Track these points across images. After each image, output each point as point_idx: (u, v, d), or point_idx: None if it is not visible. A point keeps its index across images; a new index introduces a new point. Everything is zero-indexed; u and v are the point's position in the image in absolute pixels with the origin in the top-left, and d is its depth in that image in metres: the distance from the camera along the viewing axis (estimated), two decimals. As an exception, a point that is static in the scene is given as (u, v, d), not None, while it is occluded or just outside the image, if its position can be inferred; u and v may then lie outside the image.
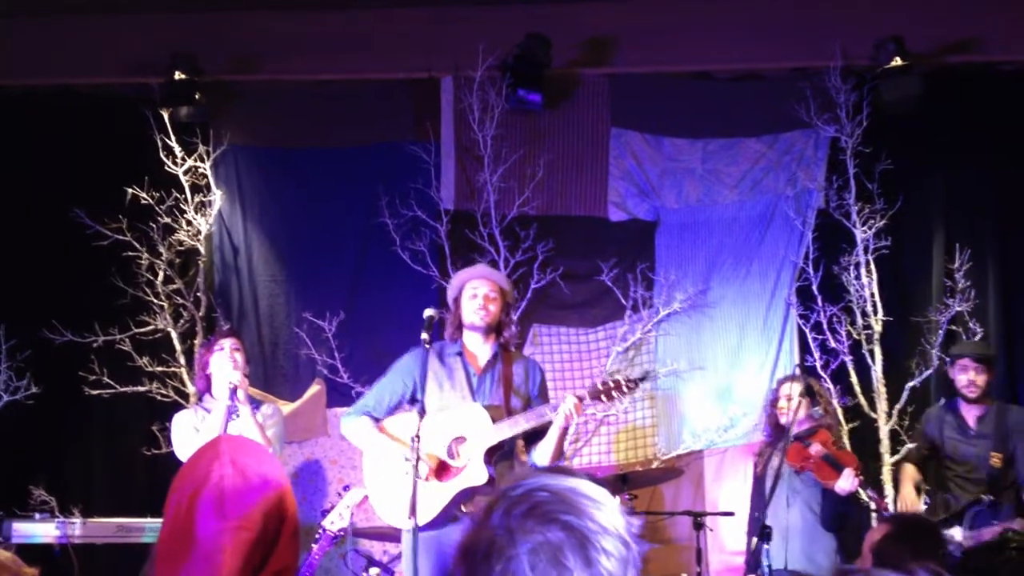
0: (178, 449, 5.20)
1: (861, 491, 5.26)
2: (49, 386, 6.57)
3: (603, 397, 4.49)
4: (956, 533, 5.38)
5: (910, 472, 5.88)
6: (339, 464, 6.70)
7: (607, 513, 1.39)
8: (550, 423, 4.44)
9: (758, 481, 5.61)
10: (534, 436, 4.56)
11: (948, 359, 6.04)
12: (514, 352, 4.83)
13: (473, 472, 4.38)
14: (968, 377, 5.70)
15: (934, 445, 5.86)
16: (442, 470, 4.43)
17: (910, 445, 6.13)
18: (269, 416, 5.28)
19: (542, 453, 4.52)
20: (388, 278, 6.91)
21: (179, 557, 1.81)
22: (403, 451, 4.42)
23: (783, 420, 5.48)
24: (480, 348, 4.69)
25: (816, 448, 5.29)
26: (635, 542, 1.40)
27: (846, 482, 5.17)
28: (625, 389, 4.49)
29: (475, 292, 4.66)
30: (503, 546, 1.36)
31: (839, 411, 6.41)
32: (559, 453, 4.58)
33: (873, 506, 5.39)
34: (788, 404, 5.46)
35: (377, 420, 4.67)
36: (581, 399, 4.39)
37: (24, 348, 6.57)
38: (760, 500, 5.49)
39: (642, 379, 4.66)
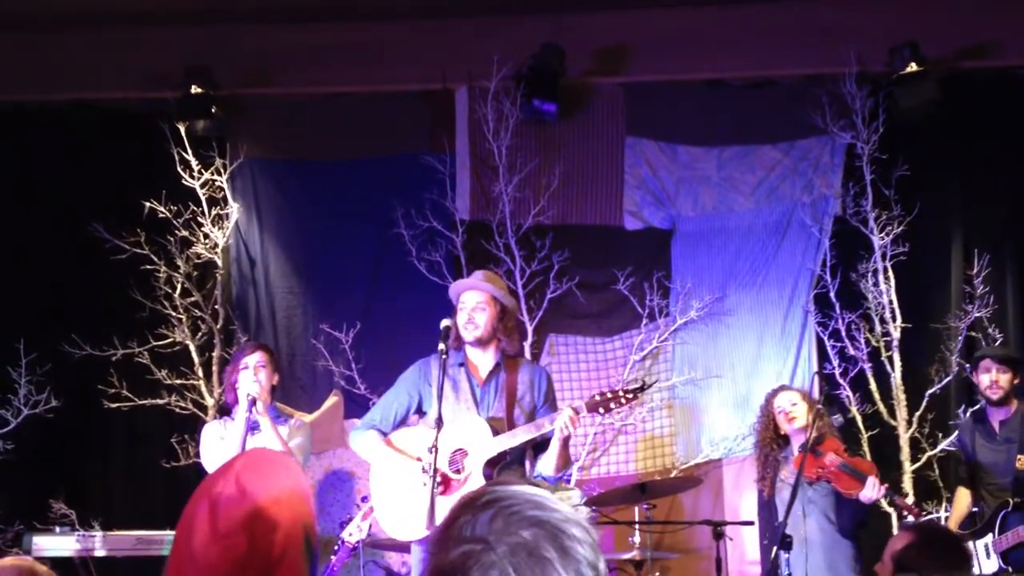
0: (203, 459, 5.24)
1: (883, 500, 5.20)
2: (68, 400, 6.60)
3: (600, 409, 4.44)
4: (989, 541, 5.34)
5: (960, 500, 5.83)
6: (357, 475, 6.69)
7: (562, 505, 1.40)
8: (550, 433, 4.38)
9: (768, 504, 5.54)
10: (542, 446, 4.51)
11: (969, 365, 5.99)
12: (520, 359, 4.76)
13: (471, 485, 4.33)
14: (991, 377, 5.64)
15: (968, 455, 5.81)
16: (444, 483, 4.39)
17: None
18: (297, 428, 5.27)
19: (546, 463, 4.48)
20: (404, 289, 6.91)
21: (179, 570, 1.83)
22: (410, 464, 4.43)
23: (794, 425, 5.40)
24: (481, 359, 4.64)
25: (831, 458, 5.22)
26: (593, 528, 1.41)
27: (871, 491, 5.09)
28: (623, 400, 4.42)
29: (463, 305, 4.61)
30: (479, 556, 1.34)
31: (858, 419, 6.39)
32: (563, 463, 4.51)
33: (904, 513, 5.32)
34: (794, 408, 5.39)
35: (384, 434, 4.65)
36: (577, 411, 4.33)
37: (43, 362, 6.60)
38: (771, 512, 5.45)
39: (640, 389, 4.56)
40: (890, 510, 6.17)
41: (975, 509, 5.74)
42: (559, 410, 4.43)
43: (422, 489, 4.35)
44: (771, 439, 5.50)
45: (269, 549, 1.81)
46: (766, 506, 5.53)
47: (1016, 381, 5.71)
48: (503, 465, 4.44)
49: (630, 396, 4.44)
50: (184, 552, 1.81)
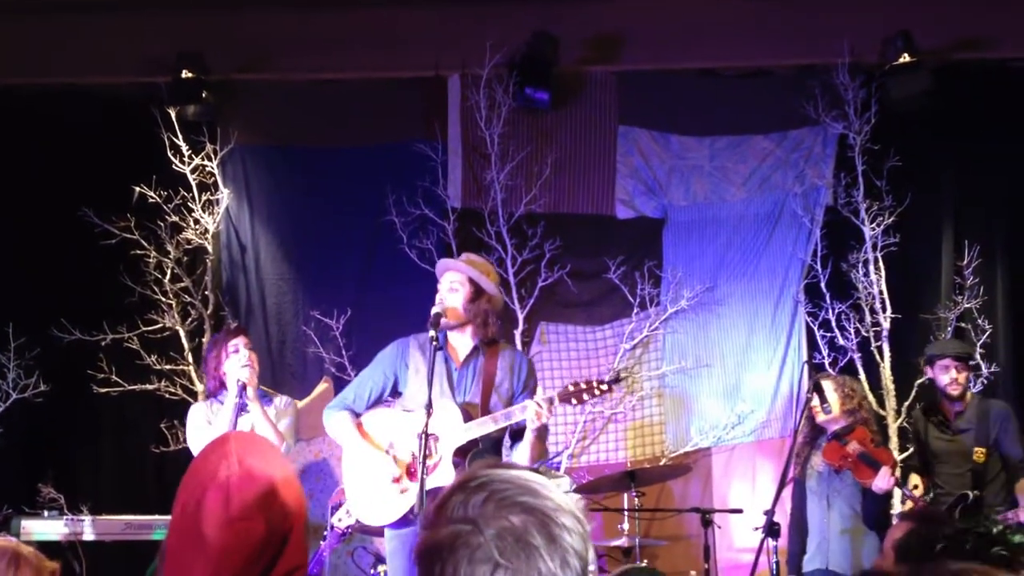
0: (191, 441, 5.23)
1: (898, 489, 5.23)
2: (58, 384, 6.60)
3: (573, 400, 4.37)
4: None
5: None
6: (347, 462, 6.69)
7: (557, 493, 1.42)
8: (523, 423, 4.32)
9: (797, 483, 5.56)
10: (519, 434, 4.44)
11: (926, 359, 5.95)
12: (501, 344, 4.66)
13: (441, 472, 4.30)
14: (951, 376, 5.72)
15: (921, 445, 5.90)
16: (414, 468, 4.33)
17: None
18: (282, 409, 5.26)
19: (520, 454, 4.42)
20: (395, 276, 6.91)
21: (187, 556, 1.82)
22: (377, 452, 4.45)
23: (819, 419, 5.44)
24: (459, 341, 4.57)
25: (853, 446, 5.26)
26: (586, 518, 1.43)
27: (882, 480, 5.13)
28: (597, 391, 4.37)
29: (440, 285, 4.58)
30: (467, 537, 1.36)
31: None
32: (538, 454, 4.45)
33: (909, 504, 5.35)
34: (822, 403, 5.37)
35: (357, 414, 4.63)
36: (551, 402, 4.27)
37: (33, 346, 6.60)
38: (802, 500, 5.46)
39: (614, 381, 4.50)
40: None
41: (928, 496, 5.77)
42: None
43: (389, 472, 4.40)
44: (812, 424, 5.49)
45: (282, 532, 1.83)
46: (797, 482, 5.52)
47: (970, 375, 5.83)
48: (475, 453, 4.38)
49: (604, 388, 4.38)
50: (190, 538, 1.80)
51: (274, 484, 1.85)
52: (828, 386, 5.42)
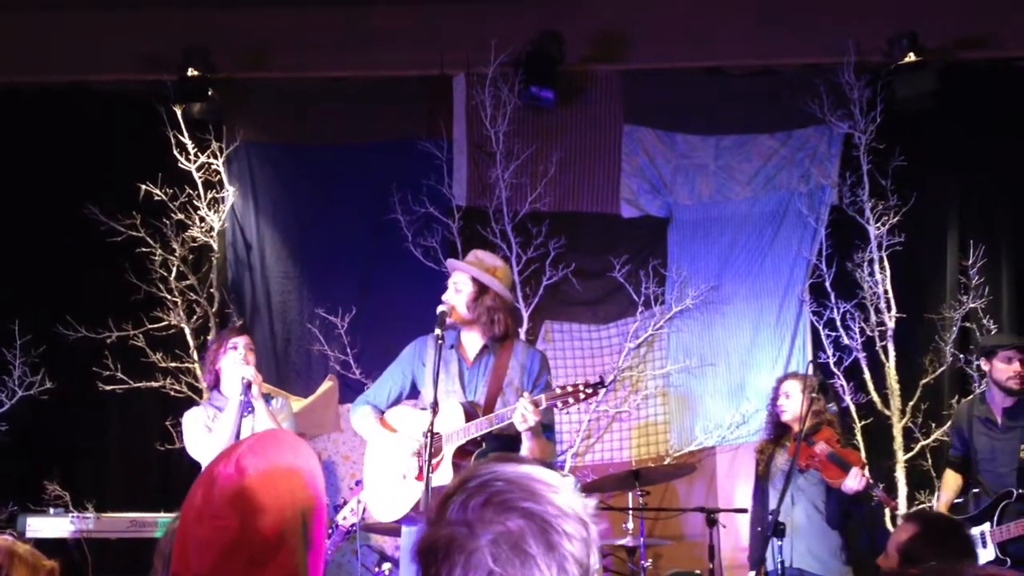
0: (189, 447, 5.13)
1: (869, 490, 5.24)
2: (63, 381, 6.60)
3: (559, 402, 4.28)
4: (986, 530, 5.33)
5: (949, 482, 5.79)
6: (352, 460, 6.71)
7: (564, 496, 1.38)
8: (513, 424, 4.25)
9: (760, 479, 5.59)
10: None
11: (987, 349, 5.75)
12: (513, 341, 4.60)
13: (441, 472, 4.28)
14: (1015, 368, 5.52)
15: (964, 441, 5.75)
16: (420, 467, 4.32)
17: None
18: (279, 410, 5.25)
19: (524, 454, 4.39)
20: (400, 274, 6.91)
21: (181, 541, 1.84)
22: (392, 445, 4.47)
23: (784, 417, 5.47)
24: (470, 340, 4.55)
25: (821, 447, 5.27)
26: (593, 523, 1.39)
27: (854, 481, 5.15)
28: (582, 395, 4.27)
29: (446, 285, 4.58)
30: (463, 541, 1.34)
31: (852, 408, 6.43)
32: (542, 455, 4.34)
33: (880, 503, 5.35)
34: (787, 401, 5.45)
35: (380, 411, 4.64)
36: (536, 404, 4.18)
37: (38, 343, 6.60)
38: (764, 498, 5.49)
39: (599, 384, 4.37)
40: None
41: (959, 500, 5.73)
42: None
43: (399, 470, 4.41)
44: (776, 423, 5.54)
45: (264, 534, 1.80)
46: (760, 479, 5.55)
47: None
48: (479, 454, 4.34)
49: (589, 391, 4.28)
50: (185, 528, 1.83)
51: (256, 484, 1.83)
52: (796, 386, 5.43)
